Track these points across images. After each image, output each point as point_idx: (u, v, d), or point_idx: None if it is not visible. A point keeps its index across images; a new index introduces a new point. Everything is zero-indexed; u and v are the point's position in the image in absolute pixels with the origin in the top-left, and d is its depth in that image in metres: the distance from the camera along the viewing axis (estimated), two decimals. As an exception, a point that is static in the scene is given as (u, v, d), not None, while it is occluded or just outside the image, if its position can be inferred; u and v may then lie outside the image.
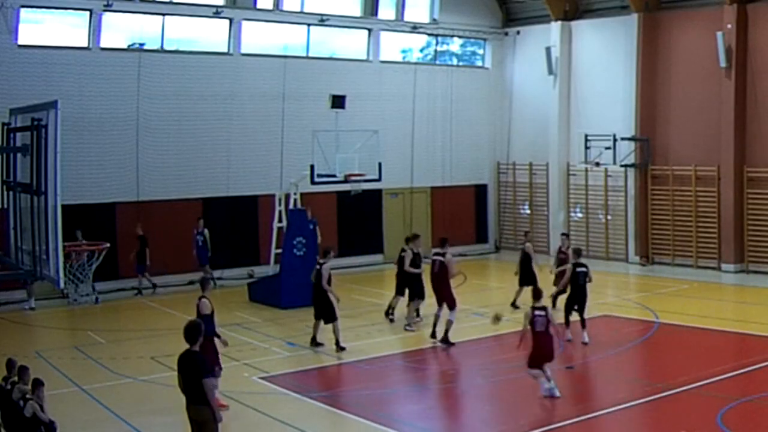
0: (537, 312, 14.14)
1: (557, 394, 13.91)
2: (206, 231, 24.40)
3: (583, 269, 17.99)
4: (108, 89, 24.02)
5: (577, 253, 18.58)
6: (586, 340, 17.56)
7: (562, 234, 23.44)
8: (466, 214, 31.69)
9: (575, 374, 15.92)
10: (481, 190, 32.50)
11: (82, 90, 23.37)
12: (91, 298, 22.66)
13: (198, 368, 10.29)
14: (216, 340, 13.85)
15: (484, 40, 32.36)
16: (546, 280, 20.21)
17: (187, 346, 10.50)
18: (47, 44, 23.32)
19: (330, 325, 17.58)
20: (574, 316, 17.93)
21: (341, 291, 20.20)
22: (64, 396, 14.31)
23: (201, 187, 25.88)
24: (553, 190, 30.60)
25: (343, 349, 17.45)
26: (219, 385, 13.56)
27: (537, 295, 14.53)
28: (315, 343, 17.80)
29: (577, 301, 17.92)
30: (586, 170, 29.36)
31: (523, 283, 20.77)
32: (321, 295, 17.66)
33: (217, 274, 25.78)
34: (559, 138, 30.18)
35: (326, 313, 17.60)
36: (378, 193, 28.81)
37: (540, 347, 14.06)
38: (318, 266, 17.85)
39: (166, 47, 25.55)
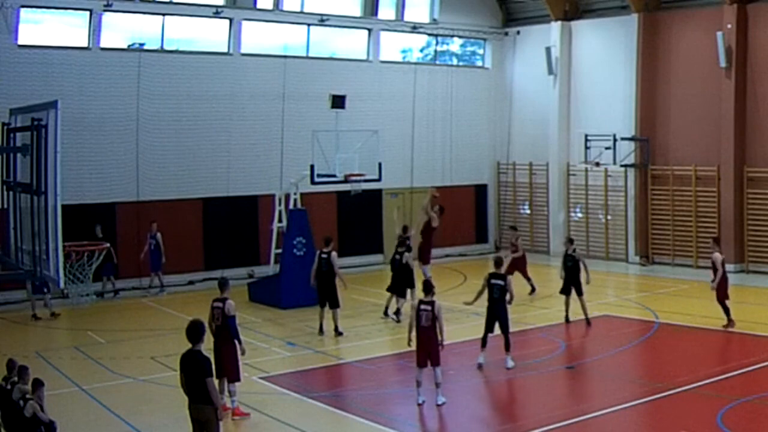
0: (423, 306, 13.70)
1: (440, 401, 13.79)
2: (159, 235, 23.98)
3: (500, 282, 15.98)
4: (108, 89, 24.02)
5: (498, 263, 16.60)
6: (510, 365, 15.90)
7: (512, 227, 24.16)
8: (466, 214, 31.68)
9: (575, 374, 15.92)
10: (481, 190, 32.49)
11: (82, 90, 23.36)
12: (91, 297, 22.62)
13: (201, 367, 10.29)
14: (237, 344, 13.54)
15: (484, 40, 32.36)
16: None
17: (188, 345, 10.50)
18: (47, 44, 23.31)
19: (332, 311, 18.78)
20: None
21: (341, 291, 20.15)
22: (64, 396, 14.32)
23: (201, 187, 25.88)
24: (553, 190, 30.61)
25: (341, 334, 18.65)
26: (237, 393, 13.57)
27: (427, 288, 13.94)
28: (322, 331, 18.75)
29: (495, 318, 16.08)
30: (586, 170, 29.36)
31: (572, 292, 19.78)
32: (330, 282, 18.79)
33: (217, 274, 25.76)
34: (559, 138, 30.18)
35: (333, 299, 18.81)
36: (378, 193, 28.81)
37: (423, 343, 13.73)
38: (325, 255, 18.86)
39: (166, 47, 25.55)
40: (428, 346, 13.72)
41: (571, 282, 19.76)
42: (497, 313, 16.09)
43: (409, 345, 14.21)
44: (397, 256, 20.34)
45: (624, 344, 17.83)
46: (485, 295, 16.28)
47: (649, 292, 23.85)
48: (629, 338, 18.31)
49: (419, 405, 13.77)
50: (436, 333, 13.70)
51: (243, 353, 13.71)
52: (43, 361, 16.62)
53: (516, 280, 23.52)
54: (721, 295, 18.76)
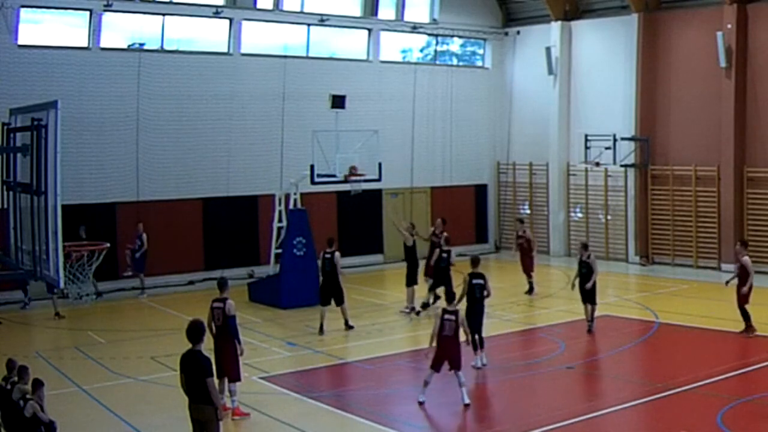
0: (447, 315, 13.81)
1: (466, 400, 13.77)
2: (144, 236, 23.71)
3: (480, 281, 16.14)
4: (108, 89, 24.02)
5: (475, 262, 16.71)
6: (484, 362, 16.06)
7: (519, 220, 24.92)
8: (466, 214, 31.67)
9: (575, 374, 15.92)
10: (481, 190, 32.49)
11: (82, 90, 23.36)
12: (91, 297, 22.57)
13: (202, 367, 10.29)
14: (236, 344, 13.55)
15: (484, 40, 32.36)
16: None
17: (188, 345, 10.50)
18: (47, 44, 23.31)
19: (340, 308, 19.18)
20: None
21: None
22: (64, 396, 14.32)
23: (201, 187, 25.88)
24: (553, 190, 30.60)
25: (351, 327, 19.20)
26: (238, 392, 13.56)
27: (450, 297, 14.36)
28: (322, 330, 18.99)
29: (474, 317, 15.97)
30: (586, 170, 29.36)
31: (586, 300, 18.77)
32: (333, 281, 19.19)
33: (217, 274, 25.73)
34: (559, 138, 30.18)
35: (338, 296, 19.21)
36: (378, 193, 28.81)
37: (444, 351, 13.79)
38: (329, 255, 19.22)
39: (166, 47, 25.55)
40: (449, 354, 13.83)
41: (587, 289, 18.71)
42: (478, 312, 16.17)
43: (426, 357, 14.13)
44: (444, 254, 20.65)
45: (624, 344, 17.83)
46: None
47: (649, 292, 23.84)
48: (629, 338, 18.30)
49: (420, 403, 13.79)
50: (458, 342, 13.88)
51: (242, 353, 13.73)
52: (43, 361, 16.63)
53: (516, 278, 23.64)
54: (744, 300, 17.92)
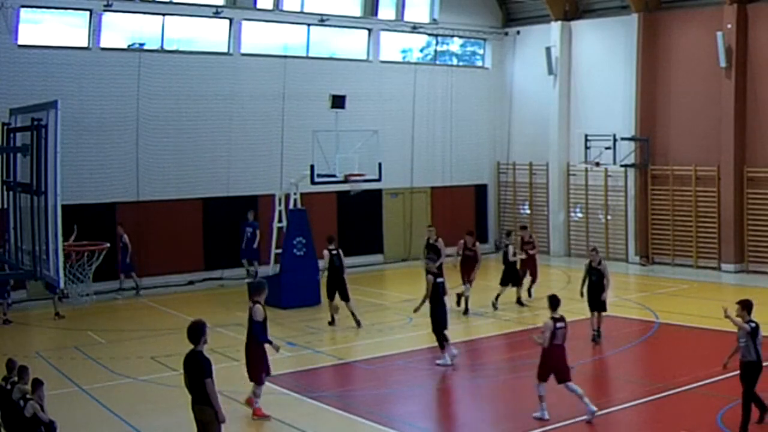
0: (558, 324, 13.01)
1: (593, 408, 12.98)
2: (126, 237, 23.65)
3: (441, 280, 16.35)
4: (108, 89, 24.02)
5: (433, 262, 16.94)
6: (448, 361, 16.11)
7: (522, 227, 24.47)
8: (466, 214, 31.65)
9: (575, 374, 15.87)
10: (481, 190, 32.48)
11: (82, 90, 23.36)
12: (91, 297, 22.55)
13: (201, 368, 10.30)
14: (267, 346, 13.49)
15: (484, 40, 32.36)
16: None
17: (189, 346, 10.51)
18: (47, 44, 23.32)
19: (347, 305, 19.66)
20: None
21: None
22: (64, 396, 14.32)
23: (201, 187, 25.87)
24: (553, 190, 30.61)
25: (359, 324, 19.48)
26: (261, 394, 13.51)
27: (555, 303, 13.19)
28: (334, 322, 19.67)
29: (443, 317, 16.20)
30: (586, 170, 29.36)
31: (596, 308, 17.83)
32: (340, 277, 19.69)
33: (217, 274, 25.82)
34: (559, 138, 30.19)
35: (344, 292, 19.68)
36: (378, 193, 28.80)
37: (553, 359, 13.03)
38: (335, 252, 19.80)
39: (166, 47, 25.55)
40: (559, 364, 13.07)
41: (597, 298, 17.73)
42: (444, 312, 16.43)
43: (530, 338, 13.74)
44: (504, 248, 22.16)
45: (624, 344, 17.83)
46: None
47: (649, 292, 23.84)
48: (629, 338, 18.30)
49: (545, 420, 12.93)
50: (565, 351, 13.22)
51: (277, 350, 13.69)
52: (43, 361, 16.63)
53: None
54: None
